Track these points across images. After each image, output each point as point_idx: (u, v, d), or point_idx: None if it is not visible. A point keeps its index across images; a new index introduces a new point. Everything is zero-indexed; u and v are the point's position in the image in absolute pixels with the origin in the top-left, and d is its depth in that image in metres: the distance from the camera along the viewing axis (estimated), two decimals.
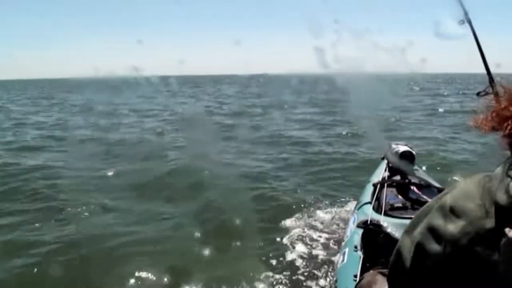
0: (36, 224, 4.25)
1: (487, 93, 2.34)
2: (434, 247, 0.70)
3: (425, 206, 0.78)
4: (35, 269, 3.35)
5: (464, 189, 0.72)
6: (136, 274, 3.24)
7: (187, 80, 69.86)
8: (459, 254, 0.66)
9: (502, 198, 0.64)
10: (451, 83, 44.33)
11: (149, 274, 3.24)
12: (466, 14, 2.30)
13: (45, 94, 33.59)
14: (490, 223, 0.65)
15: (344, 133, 9.69)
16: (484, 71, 2.31)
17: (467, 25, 2.31)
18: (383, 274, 1.73)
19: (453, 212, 0.69)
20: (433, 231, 0.71)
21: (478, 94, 2.34)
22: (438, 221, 0.71)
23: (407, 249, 0.75)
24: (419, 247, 0.72)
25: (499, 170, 0.69)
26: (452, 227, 0.68)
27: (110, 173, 6.10)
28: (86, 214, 4.51)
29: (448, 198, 0.72)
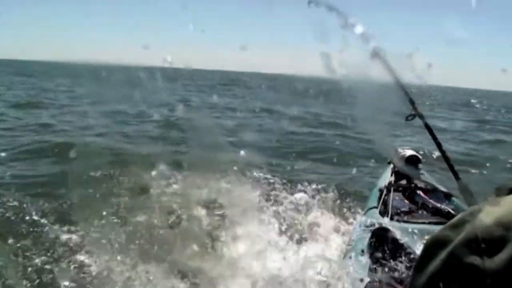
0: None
1: (415, 116, 2.58)
2: None
3: None
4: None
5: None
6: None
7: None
8: None
9: None
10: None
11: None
12: (375, 47, 2.47)
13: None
14: None
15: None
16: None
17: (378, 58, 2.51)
18: (390, 285, 1.74)
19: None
20: None
21: (406, 119, 2.63)
22: None
23: None
24: None
25: None
26: None
27: None
28: None
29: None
